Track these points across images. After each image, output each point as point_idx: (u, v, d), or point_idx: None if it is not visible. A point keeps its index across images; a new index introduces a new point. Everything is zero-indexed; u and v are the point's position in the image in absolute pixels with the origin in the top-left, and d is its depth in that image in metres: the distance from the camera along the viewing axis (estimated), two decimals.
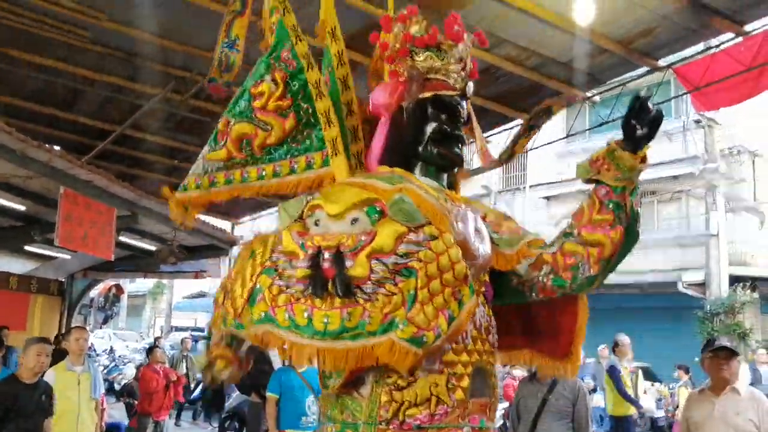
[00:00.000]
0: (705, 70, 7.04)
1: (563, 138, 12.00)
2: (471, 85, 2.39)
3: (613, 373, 8.38)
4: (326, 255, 1.83)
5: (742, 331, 12.65)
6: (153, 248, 10.78)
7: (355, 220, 1.92)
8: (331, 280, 1.80)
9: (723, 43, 7.02)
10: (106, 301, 22.32)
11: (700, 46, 7.58)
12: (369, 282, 1.79)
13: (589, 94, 8.23)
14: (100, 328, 24.13)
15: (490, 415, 2.16)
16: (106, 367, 16.19)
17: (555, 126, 10.41)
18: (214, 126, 2.45)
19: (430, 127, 2.30)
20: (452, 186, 2.43)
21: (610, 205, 2.12)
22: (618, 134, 2.14)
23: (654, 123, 2.07)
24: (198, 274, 12.97)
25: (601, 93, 8.48)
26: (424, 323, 1.77)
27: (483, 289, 2.19)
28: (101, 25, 6.61)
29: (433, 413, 1.98)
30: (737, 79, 6.80)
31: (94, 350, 17.79)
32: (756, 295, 13.73)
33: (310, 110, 2.35)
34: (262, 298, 1.85)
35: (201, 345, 22.74)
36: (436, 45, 2.33)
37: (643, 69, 7.66)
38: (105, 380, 9.01)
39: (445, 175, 2.38)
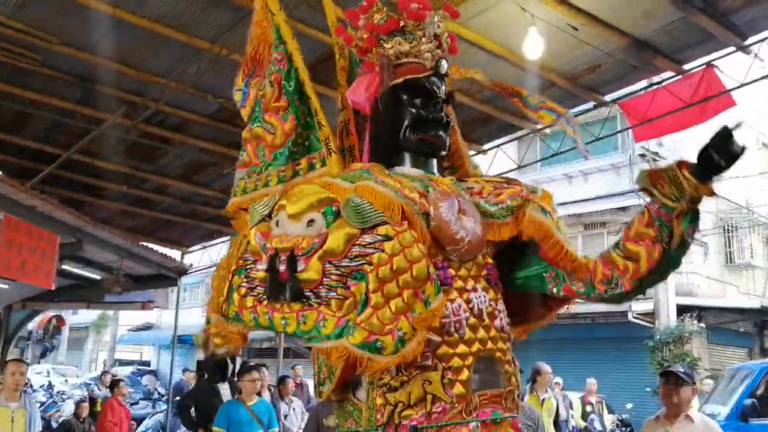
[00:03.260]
0: (648, 105, 7.33)
1: (515, 169, 12.21)
2: (444, 63, 2.27)
3: None
4: (282, 258, 1.82)
5: (691, 360, 12.90)
6: (98, 277, 10.43)
7: (311, 222, 1.89)
8: (285, 284, 1.79)
9: (665, 80, 7.33)
10: (46, 334, 21.40)
11: (644, 83, 7.88)
12: (322, 286, 1.78)
13: (539, 127, 8.43)
14: (38, 362, 23.06)
15: (508, 405, 2.01)
16: (43, 403, 15.47)
17: (506, 158, 10.61)
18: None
19: (406, 114, 2.20)
20: (444, 169, 2.33)
21: (657, 222, 1.98)
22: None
23: (733, 157, 1.89)
24: (145, 305, 12.58)
25: (551, 126, 8.67)
26: (377, 328, 1.72)
27: (484, 272, 2.10)
28: (54, 49, 6.48)
29: (429, 412, 1.88)
30: (678, 113, 7.11)
31: (31, 386, 16.96)
32: (702, 324, 14.06)
33: (306, 110, 2.30)
34: (233, 298, 1.89)
35: (146, 378, 22.01)
36: (401, 28, 2.25)
37: (590, 104, 7.93)
38: (42, 418, 8.59)
39: (434, 161, 2.27)
